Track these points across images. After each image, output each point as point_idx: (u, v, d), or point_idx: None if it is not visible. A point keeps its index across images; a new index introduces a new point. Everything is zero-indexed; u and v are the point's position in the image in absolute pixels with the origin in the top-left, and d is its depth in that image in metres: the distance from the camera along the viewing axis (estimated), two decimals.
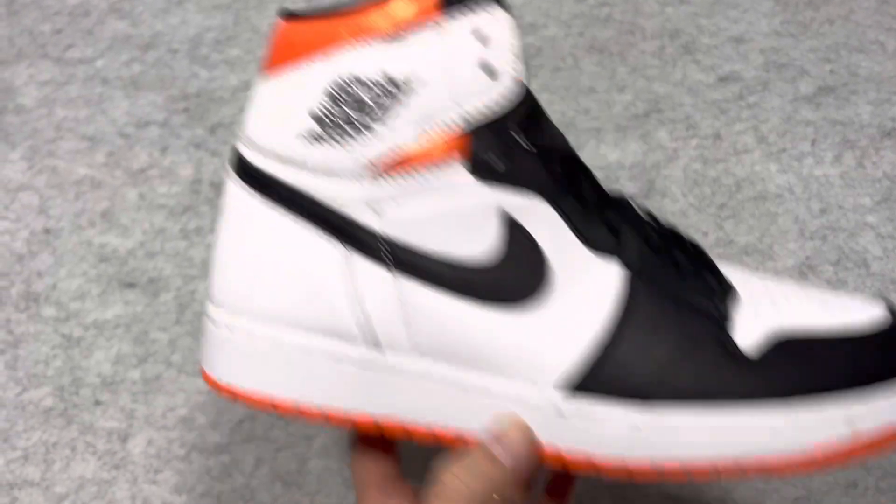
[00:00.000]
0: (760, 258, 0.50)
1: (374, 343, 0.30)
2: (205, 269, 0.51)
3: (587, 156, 0.55)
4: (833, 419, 0.27)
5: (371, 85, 0.28)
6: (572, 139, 0.56)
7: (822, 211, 0.52)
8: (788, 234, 0.51)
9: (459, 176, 0.28)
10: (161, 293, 0.50)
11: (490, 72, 0.27)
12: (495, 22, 0.27)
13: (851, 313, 0.29)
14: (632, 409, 0.27)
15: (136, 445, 0.44)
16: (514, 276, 0.28)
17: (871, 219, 0.52)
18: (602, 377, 0.28)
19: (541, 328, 0.28)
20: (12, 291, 0.50)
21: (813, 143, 0.55)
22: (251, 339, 0.31)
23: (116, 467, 0.44)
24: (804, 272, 0.50)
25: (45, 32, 0.63)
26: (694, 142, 0.56)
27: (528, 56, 0.61)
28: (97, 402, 0.46)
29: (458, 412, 0.29)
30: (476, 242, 0.28)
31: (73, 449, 0.44)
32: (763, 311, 0.29)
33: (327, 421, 0.30)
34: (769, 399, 0.27)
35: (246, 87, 0.60)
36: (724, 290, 0.29)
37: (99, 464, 0.44)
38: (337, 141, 0.28)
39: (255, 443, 0.44)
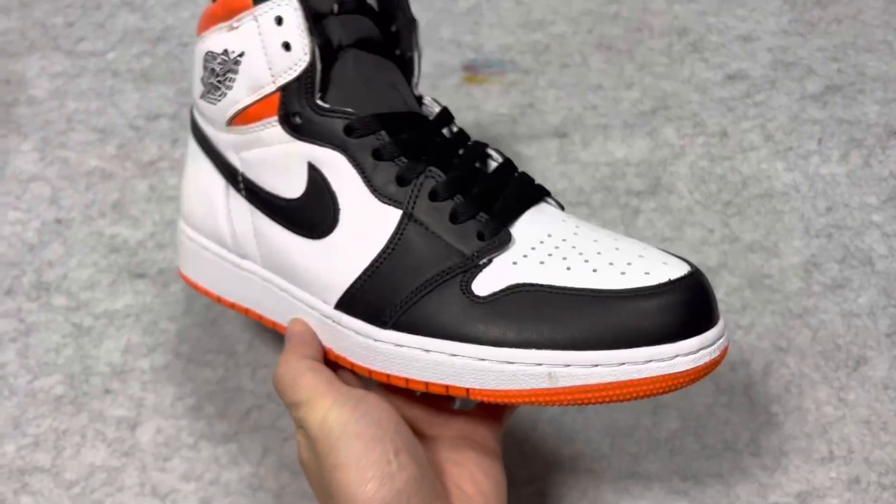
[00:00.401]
0: (766, 255, 0.51)
1: (241, 253, 0.40)
2: None
3: (595, 151, 0.55)
4: (537, 372, 0.32)
5: (219, 58, 0.37)
6: (579, 135, 0.57)
7: (828, 209, 0.53)
8: (794, 231, 0.52)
9: (276, 130, 0.36)
10: (170, 284, 0.50)
11: (287, 46, 0.35)
12: (289, 8, 0.35)
13: (641, 276, 0.32)
14: (373, 329, 0.35)
15: (145, 433, 0.45)
16: (312, 212, 0.36)
17: (876, 217, 0.52)
18: (358, 300, 0.35)
19: (327, 256, 0.36)
20: (24, 281, 0.51)
21: (819, 141, 0.56)
22: (192, 244, 0.42)
23: (126, 455, 0.44)
24: (809, 270, 0.50)
25: (57, 25, 0.64)
26: (701, 139, 0.56)
27: (537, 52, 0.61)
28: (107, 391, 0.47)
29: (287, 313, 0.38)
30: (292, 184, 0.36)
31: (83, 436, 0.45)
32: (525, 263, 0.33)
33: (233, 308, 0.41)
34: (485, 341, 0.33)
35: None
36: (493, 237, 0.34)
37: (108, 451, 0.44)
38: (211, 100, 0.38)
39: (262, 432, 0.45)
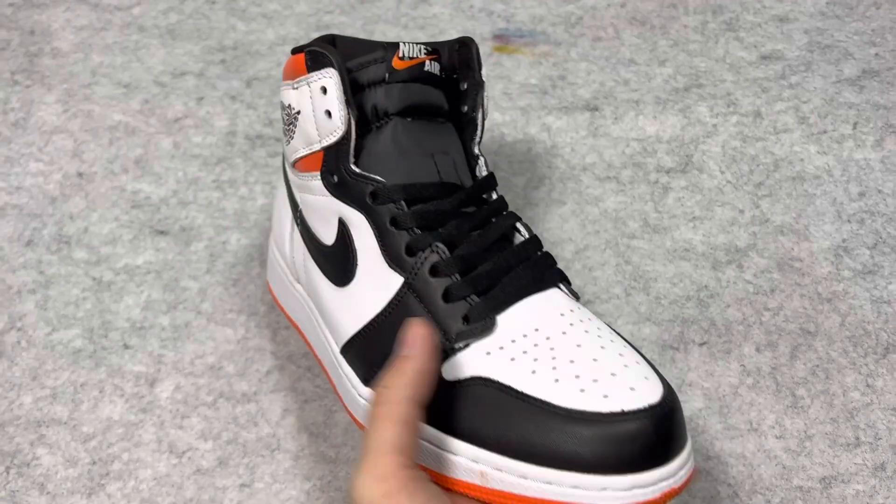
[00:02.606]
0: (796, 238, 0.50)
1: (296, 277, 0.44)
2: (237, 220, 0.51)
3: (626, 127, 0.55)
4: (472, 467, 0.33)
5: (286, 109, 0.40)
6: (610, 109, 0.56)
7: (861, 194, 0.52)
8: (825, 216, 0.51)
9: (319, 183, 0.39)
10: (193, 242, 0.50)
11: (328, 114, 0.38)
12: (332, 81, 0.38)
13: (598, 399, 0.31)
14: (358, 383, 0.38)
15: (164, 390, 0.45)
16: (339, 262, 0.39)
17: None
18: (355, 350, 0.38)
19: (343, 303, 0.39)
20: (44, 233, 0.50)
21: (855, 126, 0.55)
22: (273, 256, 0.46)
23: (144, 411, 0.44)
24: (840, 255, 0.49)
25: None
26: (734, 118, 0.55)
27: (569, 24, 0.60)
28: (126, 346, 0.46)
29: (318, 341, 0.41)
30: (328, 233, 0.39)
31: (101, 391, 0.45)
32: (498, 356, 0.33)
33: (289, 321, 0.45)
34: (438, 425, 0.34)
35: (283, 41, 0.59)
36: (477, 322, 0.34)
37: (126, 406, 0.44)
38: (286, 141, 0.41)
39: (282, 393, 0.44)
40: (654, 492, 0.30)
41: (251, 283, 0.48)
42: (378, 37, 0.59)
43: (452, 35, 0.59)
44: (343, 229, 0.38)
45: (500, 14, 0.61)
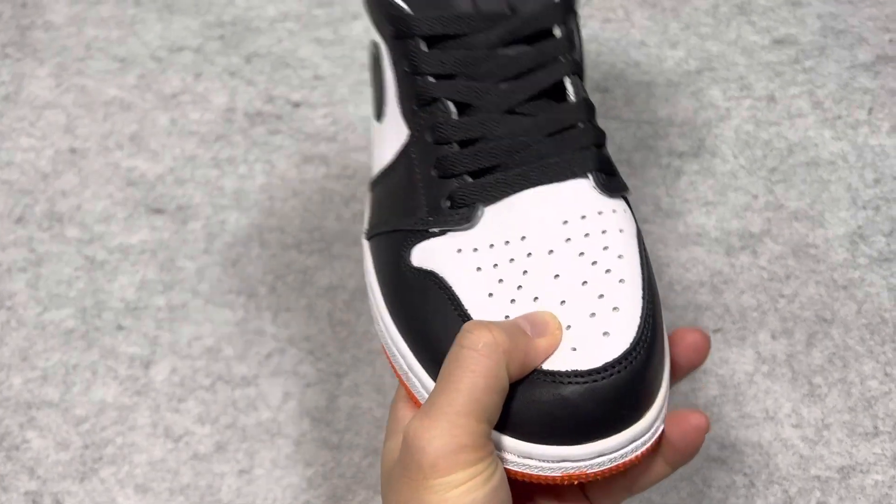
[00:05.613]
0: (811, 224, 0.49)
1: None
2: (236, 199, 0.49)
3: (637, 109, 0.53)
4: (400, 363, 0.29)
5: None
6: (621, 91, 0.54)
7: (876, 181, 0.51)
8: (840, 202, 0.50)
9: None
10: (190, 221, 0.48)
11: None
12: None
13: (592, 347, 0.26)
14: (363, 232, 0.33)
15: (159, 373, 0.43)
16: (374, 92, 0.34)
17: None
18: (372, 193, 0.33)
19: (374, 140, 0.34)
20: (36, 210, 0.48)
21: (870, 111, 0.53)
22: None
23: (138, 393, 0.42)
24: (855, 241, 0.48)
25: None
26: (747, 102, 0.54)
27: (578, 4, 0.59)
28: (120, 327, 0.44)
29: None
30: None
31: (94, 372, 0.43)
32: (464, 259, 0.29)
33: None
34: (388, 310, 0.30)
35: (284, 17, 0.57)
36: (462, 209, 0.29)
37: (120, 389, 0.42)
38: None
39: (283, 377, 0.43)
40: (553, 470, 0.26)
41: (250, 264, 0.47)
42: None
43: None
44: (376, 55, 0.32)
45: None
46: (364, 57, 0.55)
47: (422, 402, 0.28)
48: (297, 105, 0.53)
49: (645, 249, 0.30)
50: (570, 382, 0.26)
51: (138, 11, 0.57)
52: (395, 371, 0.30)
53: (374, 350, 0.44)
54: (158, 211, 0.49)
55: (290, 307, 0.45)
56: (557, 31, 0.30)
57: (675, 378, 0.30)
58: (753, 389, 0.43)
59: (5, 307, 0.45)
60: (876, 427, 0.42)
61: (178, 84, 0.54)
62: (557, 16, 0.30)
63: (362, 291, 0.46)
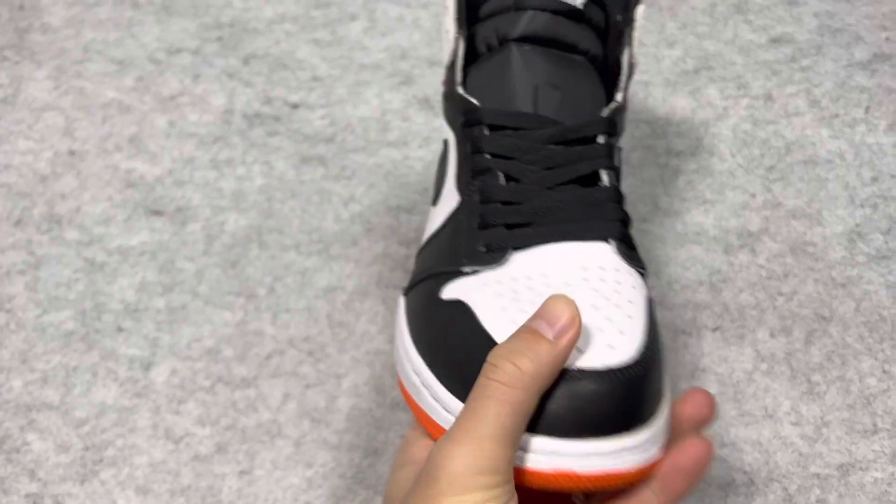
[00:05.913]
0: (808, 223, 0.49)
1: None
2: (235, 200, 0.49)
3: (635, 109, 0.53)
4: (415, 382, 0.31)
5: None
6: None
7: (874, 179, 0.51)
8: (838, 200, 0.50)
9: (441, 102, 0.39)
10: (189, 223, 0.48)
11: (447, 31, 0.37)
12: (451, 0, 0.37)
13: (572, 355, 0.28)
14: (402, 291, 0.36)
15: (159, 375, 0.43)
16: (436, 183, 0.38)
17: None
18: (415, 260, 0.37)
19: (427, 222, 0.38)
20: (34, 212, 0.48)
21: (867, 110, 0.54)
22: None
23: (138, 395, 0.42)
24: (853, 239, 0.48)
25: None
26: (744, 101, 0.54)
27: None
28: (119, 329, 0.44)
29: None
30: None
31: (94, 374, 0.43)
32: (489, 289, 0.31)
33: None
34: (413, 338, 0.33)
35: (281, 19, 0.58)
36: (495, 253, 0.32)
37: (120, 391, 0.42)
38: None
39: (283, 378, 0.43)
40: (541, 462, 0.27)
41: (249, 266, 0.47)
42: (378, 15, 0.58)
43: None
44: (445, 150, 0.38)
45: None
46: (363, 57, 0.55)
47: (441, 424, 0.30)
48: (295, 106, 0.53)
49: (654, 314, 0.32)
50: (570, 379, 0.27)
51: (136, 14, 0.58)
52: (412, 401, 0.32)
53: (374, 351, 0.44)
54: (157, 213, 0.49)
55: (290, 308, 0.45)
56: (601, 139, 0.34)
57: (682, 429, 0.31)
58: (752, 387, 0.43)
59: (5, 310, 0.45)
60: (875, 424, 0.42)
61: (176, 86, 0.54)
62: (601, 128, 0.34)
63: (361, 292, 0.46)
